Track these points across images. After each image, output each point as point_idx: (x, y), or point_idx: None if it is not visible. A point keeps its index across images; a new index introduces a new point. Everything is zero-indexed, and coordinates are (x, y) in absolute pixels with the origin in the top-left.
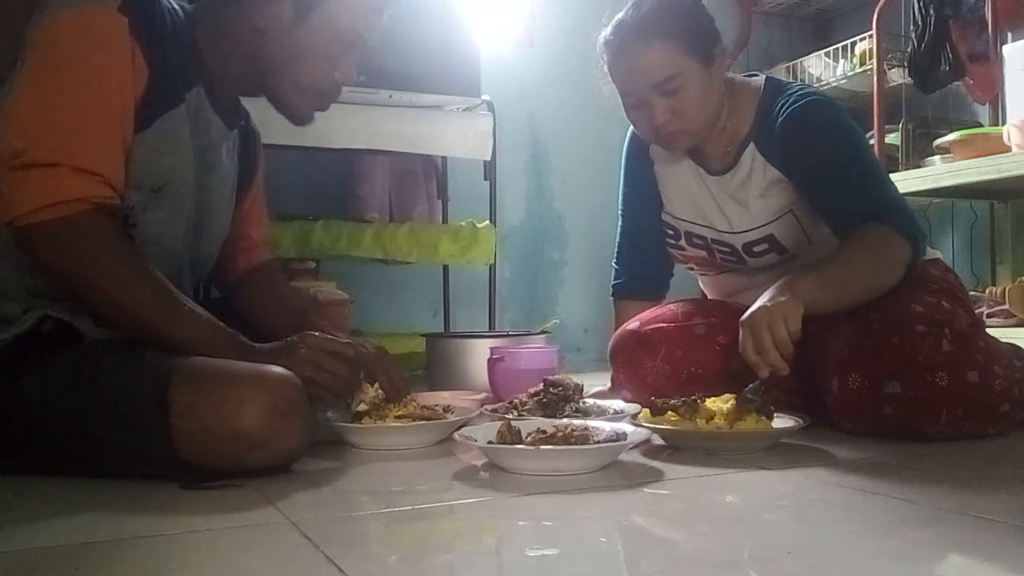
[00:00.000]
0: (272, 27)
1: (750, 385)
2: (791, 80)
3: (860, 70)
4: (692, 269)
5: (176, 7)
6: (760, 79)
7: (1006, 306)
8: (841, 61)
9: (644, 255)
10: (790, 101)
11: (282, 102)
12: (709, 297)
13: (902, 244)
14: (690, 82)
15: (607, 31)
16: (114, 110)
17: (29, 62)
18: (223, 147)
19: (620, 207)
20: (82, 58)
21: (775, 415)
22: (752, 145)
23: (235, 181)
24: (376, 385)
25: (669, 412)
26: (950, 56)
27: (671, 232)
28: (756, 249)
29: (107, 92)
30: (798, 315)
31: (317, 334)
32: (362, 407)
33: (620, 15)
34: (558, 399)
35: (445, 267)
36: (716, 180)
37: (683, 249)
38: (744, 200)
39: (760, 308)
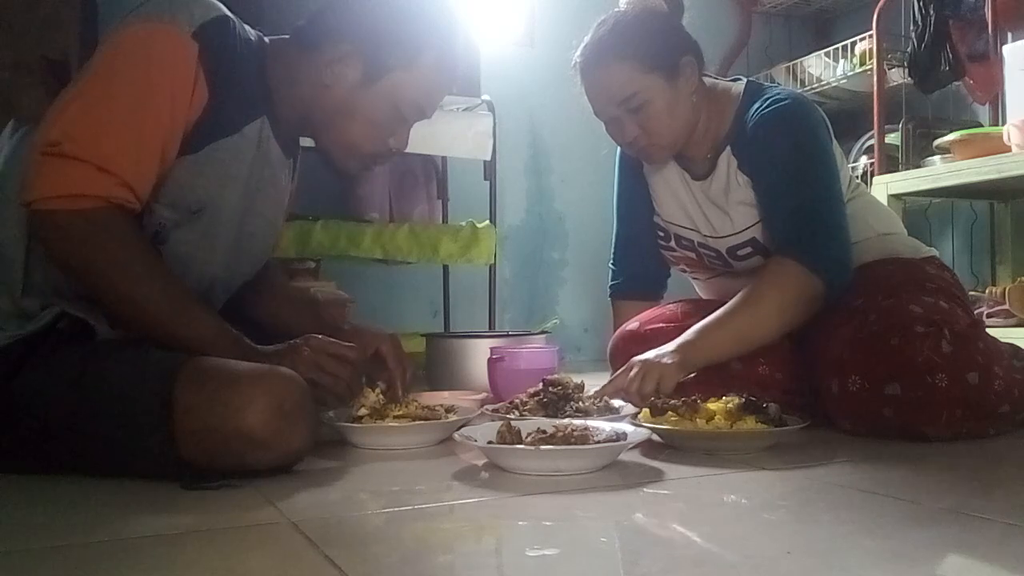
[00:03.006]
0: (337, 86)
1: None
2: (779, 82)
3: (860, 70)
4: (685, 271)
5: (252, 37)
6: (741, 84)
7: (1006, 306)
8: (841, 61)
9: (639, 256)
10: (764, 105)
11: (329, 156)
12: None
13: (808, 282)
14: (654, 98)
15: (576, 52)
16: (160, 127)
17: (93, 65)
18: (281, 175)
19: (615, 209)
20: (143, 72)
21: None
22: (728, 150)
23: (285, 204)
24: (377, 390)
25: (669, 412)
26: (950, 56)
27: (662, 234)
28: (740, 253)
29: (155, 108)
30: (674, 381)
31: (320, 336)
32: (362, 411)
33: (587, 37)
34: (558, 398)
35: (445, 267)
36: (699, 185)
37: (673, 251)
38: (724, 205)
39: (648, 361)
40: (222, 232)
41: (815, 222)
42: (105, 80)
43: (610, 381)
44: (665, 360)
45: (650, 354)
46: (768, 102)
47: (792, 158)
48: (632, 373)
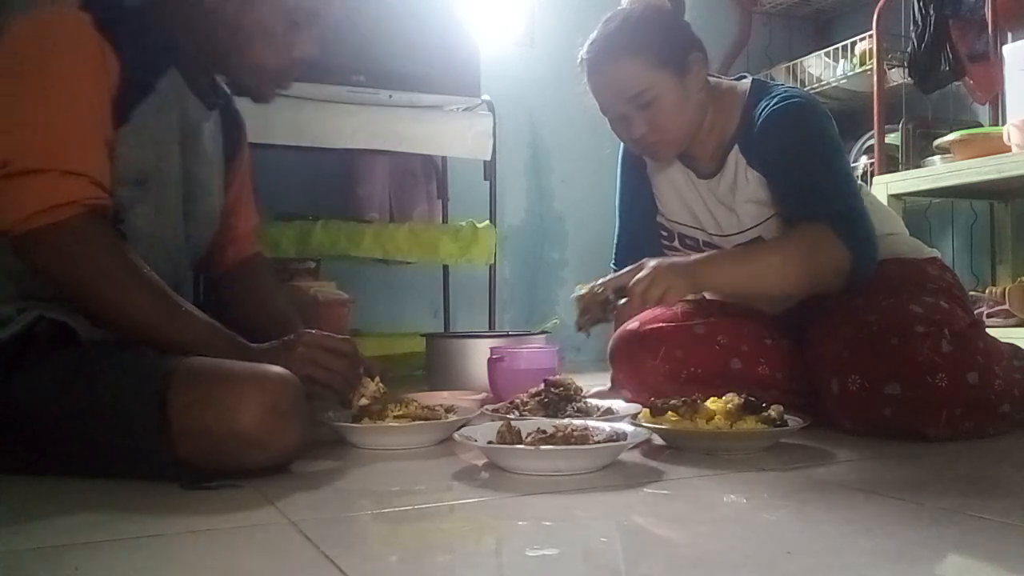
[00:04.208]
0: (219, 8)
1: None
2: (780, 82)
3: (860, 70)
4: None
5: None
6: (747, 82)
7: (1006, 306)
8: (841, 61)
9: (641, 256)
10: (772, 103)
11: (238, 83)
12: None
13: (839, 250)
14: (663, 94)
15: (583, 49)
16: (93, 109)
17: (1, 74)
18: (204, 128)
19: (617, 209)
20: (53, 62)
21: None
22: (736, 148)
23: (220, 163)
24: (376, 379)
25: (669, 412)
26: (950, 56)
27: (665, 234)
28: None
29: (83, 92)
30: (678, 297)
31: (314, 331)
32: (363, 401)
33: (593, 33)
34: (559, 399)
35: (445, 267)
36: (705, 183)
37: (677, 250)
38: (731, 204)
39: (661, 267)
40: (171, 197)
41: (842, 202)
42: (21, 83)
43: (617, 275)
44: (678, 273)
45: (665, 261)
46: (776, 99)
47: (807, 146)
48: (642, 274)
